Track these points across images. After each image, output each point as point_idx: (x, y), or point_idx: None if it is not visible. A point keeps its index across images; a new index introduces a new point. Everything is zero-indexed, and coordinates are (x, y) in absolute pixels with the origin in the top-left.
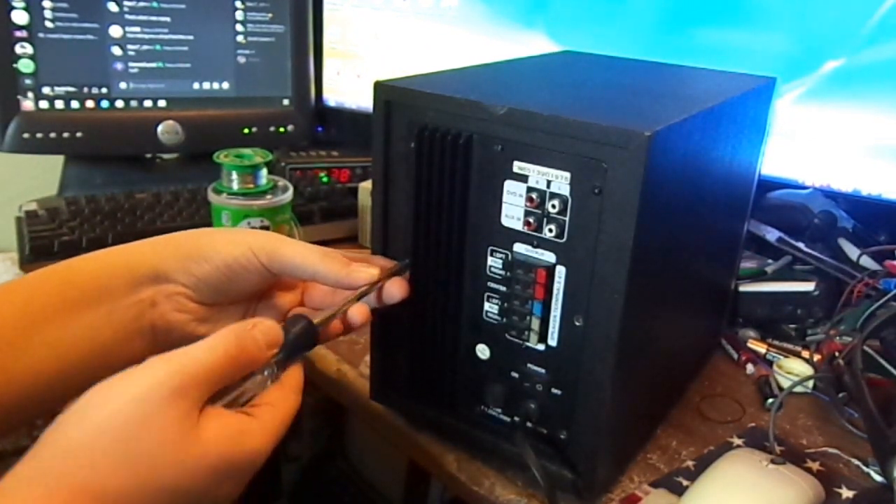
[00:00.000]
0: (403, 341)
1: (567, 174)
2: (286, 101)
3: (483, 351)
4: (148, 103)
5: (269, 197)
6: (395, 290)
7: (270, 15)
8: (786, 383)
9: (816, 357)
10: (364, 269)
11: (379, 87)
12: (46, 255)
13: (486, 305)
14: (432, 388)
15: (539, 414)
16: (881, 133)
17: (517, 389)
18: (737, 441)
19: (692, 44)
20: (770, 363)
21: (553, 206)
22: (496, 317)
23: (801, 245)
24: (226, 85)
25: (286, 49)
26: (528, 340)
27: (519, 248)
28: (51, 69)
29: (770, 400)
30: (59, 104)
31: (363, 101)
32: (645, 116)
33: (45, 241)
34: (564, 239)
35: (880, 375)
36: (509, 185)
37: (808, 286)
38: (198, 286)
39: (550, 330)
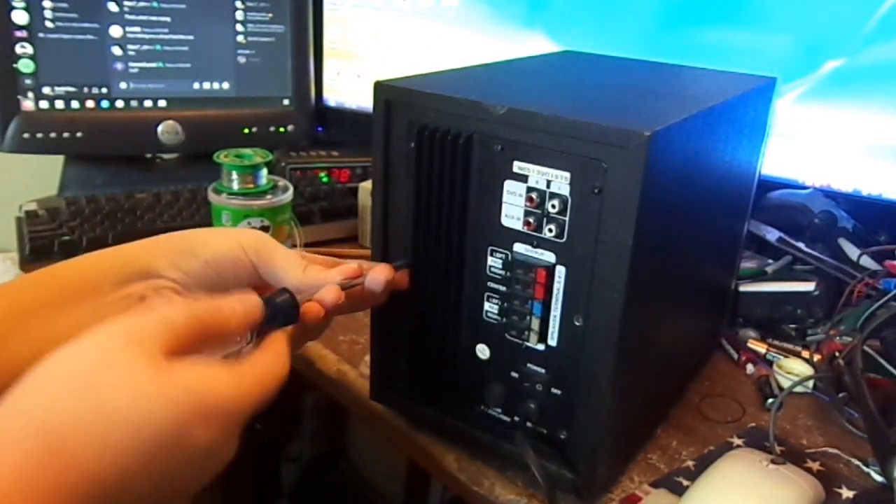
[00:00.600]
0: (403, 341)
1: (567, 174)
2: (286, 101)
3: (483, 351)
4: (148, 103)
5: (269, 197)
6: (379, 274)
7: (270, 15)
8: (786, 383)
9: (816, 357)
10: (334, 290)
11: (379, 87)
12: (46, 255)
13: (486, 305)
14: (432, 388)
15: (539, 414)
16: (881, 133)
17: (517, 389)
18: (737, 441)
19: (692, 44)
20: (770, 363)
21: (553, 206)
22: (496, 317)
23: (801, 245)
24: (226, 85)
25: (286, 49)
26: (528, 340)
27: (519, 248)
28: (51, 69)
29: (770, 400)
30: (59, 104)
31: (363, 101)
32: (645, 116)
33: (45, 241)
34: (564, 239)
35: (880, 375)
36: (509, 185)
37: (808, 286)
38: (186, 281)
39: (550, 330)
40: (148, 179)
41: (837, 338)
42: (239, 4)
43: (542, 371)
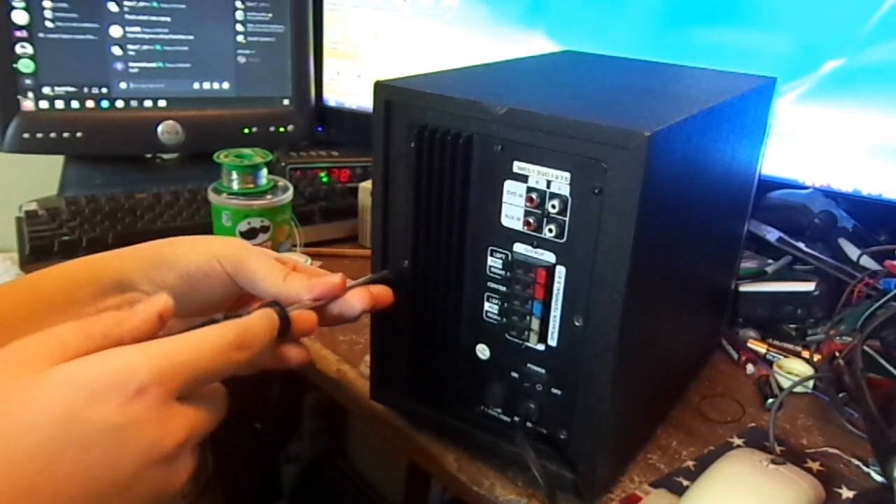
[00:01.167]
0: (403, 341)
1: (567, 174)
2: (286, 101)
3: (483, 351)
4: (148, 103)
5: (269, 197)
6: (355, 300)
7: (270, 15)
8: (786, 383)
9: (816, 357)
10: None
11: (379, 87)
12: (46, 255)
13: (486, 305)
14: (432, 388)
15: (539, 414)
16: (881, 133)
17: (517, 389)
18: (737, 441)
19: (692, 44)
20: (770, 363)
21: (553, 207)
22: (496, 317)
23: (801, 245)
24: (226, 85)
25: (286, 49)
26: (527, 340)
27: (519, 248)
28: (51, 69)
29: (770, 400)
30: (59, 104)
31: (363, 101)
32: (645, 116)
33: (45, 241)
34: (564, 239)
35: (880, 375)
36: (509, 185)
37: (808, 286)
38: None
39: (550, 330)
40: (148, 179)
41: (837, 338)
42: (239, 4)
43: (542, 371)
